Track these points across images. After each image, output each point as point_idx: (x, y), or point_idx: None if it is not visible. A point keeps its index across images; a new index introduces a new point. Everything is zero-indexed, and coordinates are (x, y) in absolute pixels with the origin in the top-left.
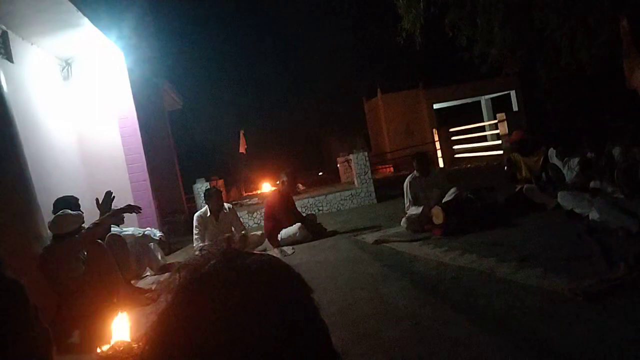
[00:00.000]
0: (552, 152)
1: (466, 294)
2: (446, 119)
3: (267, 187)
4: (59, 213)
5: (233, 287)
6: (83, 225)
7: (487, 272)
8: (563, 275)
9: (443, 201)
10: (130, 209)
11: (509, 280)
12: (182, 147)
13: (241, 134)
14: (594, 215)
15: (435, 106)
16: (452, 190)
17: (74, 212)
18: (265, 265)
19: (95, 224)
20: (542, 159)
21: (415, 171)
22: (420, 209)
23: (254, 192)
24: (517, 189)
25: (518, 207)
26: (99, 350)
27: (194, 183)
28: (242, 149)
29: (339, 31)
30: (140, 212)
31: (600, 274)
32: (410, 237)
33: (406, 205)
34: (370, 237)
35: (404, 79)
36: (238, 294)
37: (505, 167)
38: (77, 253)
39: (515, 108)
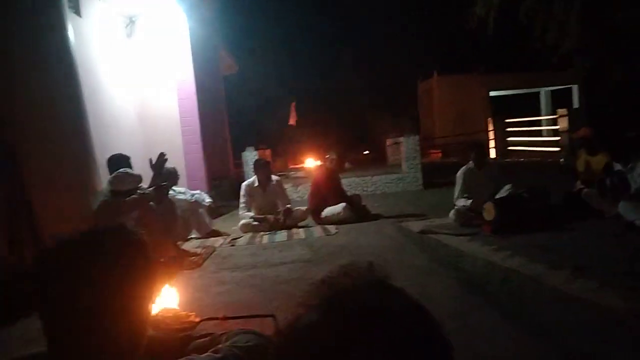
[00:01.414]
0: None
1: (515, 300)
2: (502, 108)
3: (313, 162)
4: (120, 170)
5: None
6: (141, 185)
7: (538, 279)
8: (620, 292)
9: (496, 197)
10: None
11: (561, 290)
12: (233, 113)
13: (292, 106)
14: None
15: (492, 94)
16: (507, 187)
17: (135, 173)
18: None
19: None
20: (606, 162)
21: (470, 162)
22: (467, 201)
23: (300, 165)
24: (576, 189)
25: (574, 211)
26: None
27: (243, 150)
28: (291, 121)
29: (400, 8)
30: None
31: None
32: (458, 230)
33: (455, 196)
34: (415, 226)
35: (462, 62)
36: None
37: (562, 160)
38: (130, 212)
39: (575, 104)
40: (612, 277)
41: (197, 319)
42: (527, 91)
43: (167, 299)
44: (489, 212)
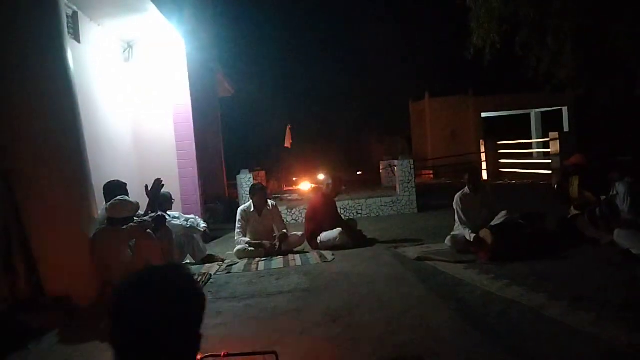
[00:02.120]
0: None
1: (515, 333)
2: (493, 130)
3: (307, 184)
4: (118, 198)
5: None
6: (139, 213)
7: (536, 310)
8: (620, 324)
9: (492, 224)
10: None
11: (560, 322)
12: (228, 135)
13: (288, 129)
14: None
15: (483, 115)
16: (503, 213)
17: (133, 201)
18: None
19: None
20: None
21: (465, 187)
22: (468, 231)
23: (294, 187)
24: (570, 215)
25: (569, 238)
26: None
27: (238, 172)
28: (287, 144)
29: (391, 31)
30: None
31: None
32: (455, 257)
33: (456, 225)
34: (412, 252)
35: (453, 83)
36: None
37: (556, 186)
38: (127, 240)
39: (566, 126)
40: (611, 308)
41: (199, 356)
42: (518, 113)
43: None
44: (485, 239)
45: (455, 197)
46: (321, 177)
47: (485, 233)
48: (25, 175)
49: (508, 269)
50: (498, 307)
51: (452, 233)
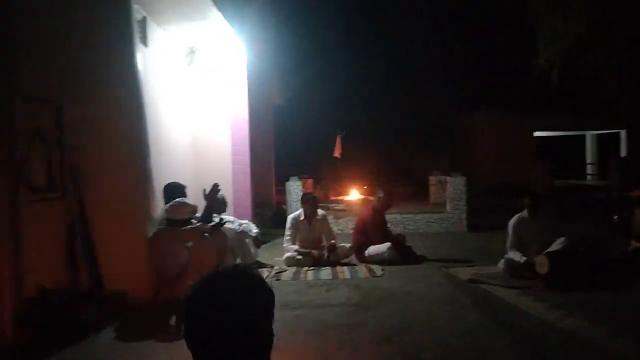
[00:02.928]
0: None
1: None
2: (546, 150)
3: (355, 194)
4: (178, 200)
5: None
6: (196, 215)
7: (598, 344)
8: None
9: (549, 250)
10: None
11: None
12: (278, 141)
13: (338, 138)
14: None
15: (536, 134)
16: (561, 239)
17: (190, 203)
18: None
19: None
20: None
21: (524, 211)
22: (522, 258)
23: (342, 197)
24: (631, 248)
25: (631, 270)
26: None
27: (286, 179)
28: (336, 153)
29: (447, 43)
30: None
31: None
32: (509, 282)
33: (508, 246)
34: (463, 273)
35: (506, 100)
36: None
37: (615, 217)
38: (184, 241)
39: (623, 151)
40: None
41: None
42: (573, 133)
43: None
44: (542, 265)
45: (512, 220)
46: (366, 188)
47: (542, 259)
48: (91, 173)
49: (565, 298)
50: (557, 338)
51: (505, 256)
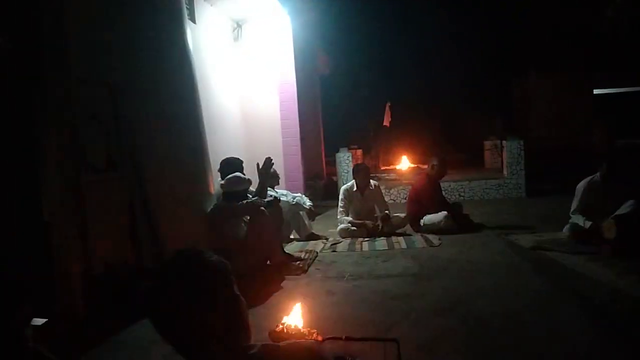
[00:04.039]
0: None
1: None
2: (606, 108)
3: (406, 164)
4: (234, 174)
5: None
6: (251, 189)
7: None
8: None
9: (617, 213)
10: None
11: None
12: (326, 112)
13: (387, 107)
14: None
15: (596, 91)
16: (630, 202)
17: (246, 177)
18: None
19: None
20: None
21: (597, 175)
22: (583, 219)
23: (392, 167)
24: None
25: None
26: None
27: (335, 150)
28: (386, 122)
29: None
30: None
31: None
32: (574, 248)
33: (573, 209)
34: (525, 240)
35: (562, 57)
36: None
37: None
38: (242, 216)
39: None
40: None
41: (320, 338)
42: (636, 89)
43: (293, 316)
44: (609, 230)
45: (582, 182)
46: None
47: (609, 223)
48: (149, 151)
49: (635, 264)
50: (629, 306)
51: (570, 221)
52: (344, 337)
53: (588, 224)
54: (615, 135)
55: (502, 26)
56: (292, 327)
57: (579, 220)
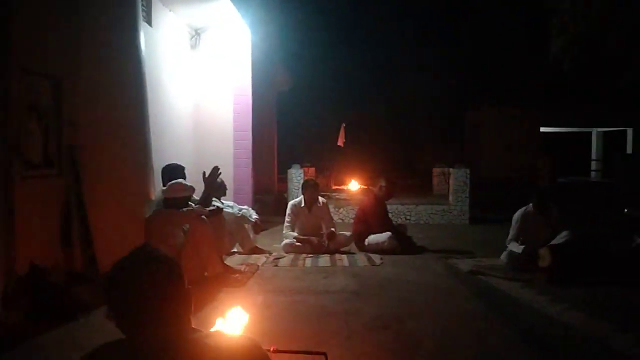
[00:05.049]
0: None
1: None
2: (551, 145)
3: (356, 184)
4: (175, 180)
5: None
6: (193, 197)
7: (601, 339)
8: None
9: (552, 243)
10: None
11: (629, 357)
12: (281, 128)
13: (342, 127)
14: None
15: (542, 129)
16: (565, 233)
17: (188, 184)
18: None
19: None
20: None
21: (530, 206)
22: (519, 247)
23: (343, 187)
24: (635, 243)
25: (635, 265)
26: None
27: (288, 166)
28: (340, 142)
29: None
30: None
31: None
32: (510, 274)
33: (509, 238)
34: (464, 265)
35: (513, 95)
36: None
37: (626, 210)
38: (181, 223)
39: (629, 148)
40: None
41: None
42: (580, 130)
43: (224, 324)
44: (544, 258)
45: (518, 212)
46: (378, 181)
47: (544, 252)
48: (89, 151)
49: (567, 292)
50: (559, 332)
51: (508, 249)
52: (272, 349)
53: (521, 248)
54: (558, 171)
55: (461, 58)
56: (220, 334)
57: (513, 247)
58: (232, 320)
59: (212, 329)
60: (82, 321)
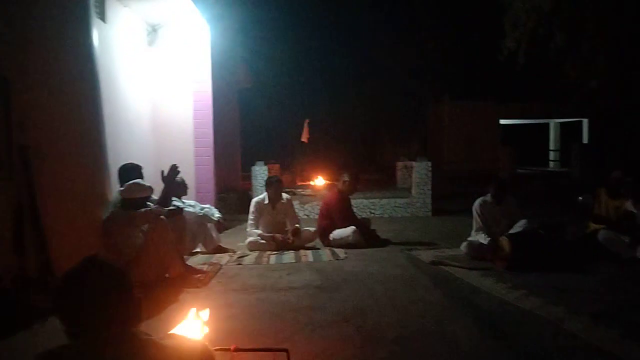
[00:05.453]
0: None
1: (535, 346)
2: (510, 137)
3: (321, 180)
4: (132, 181)
5: None
6: (152, 197)
7: (555, 322)
8: None
9: (511, 232)
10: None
11: (582, 339)
12: (245, 126)
13: (305, 123)
14: None
15: (502, 122)
16: (522, 222)
17: (146, 184)
18: None
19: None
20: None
21: (488, 195)
22: (487, 238)
23: (308, 183)
24: (590, 230)
25: (588, 251)
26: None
27: (253, 164)
28: (304, 138)
29: (417, 30)
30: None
31: None
32: (470, 264)
33: (474, 229)
34: (426, 255)
35: (474, 88)
36: None
37: (580, 198)
38: (139, 224)
39: (585, 138)
40: (635, 327)
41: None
42: (537, 122)
43: (183, 327)
44: (503, 247)
45: (475, 202)
46: (340, 176)
47: (503, 241)
48: (41, 152)
49: (525, 279)
50: (516, 317)
51: (468, 239)
52: (232, 347)
53: (487, 239)
54: (517, 162)
55: (423, 53)
56: (177, 338)
57: (480, 237)
58: (190, 322)
59: (170, 332)
60: (37, 328)
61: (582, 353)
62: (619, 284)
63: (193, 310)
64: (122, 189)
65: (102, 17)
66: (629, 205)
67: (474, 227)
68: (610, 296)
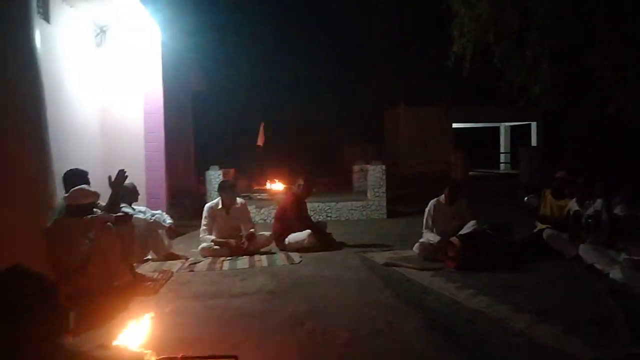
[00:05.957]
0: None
1: (482, 344)
2: (463, 140)
3: (278, 185)
4: (77, 187)
5: None
6: (98, 203)
7: (502, 320)
8: (584, 339)
9: (460, 233)
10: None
11: (526, 335)
12: (198, 129)
13: (261, 127)
14: (615, 274)
15: (454, 125)
16: (472, 223)
17: (92, 190)
18: None
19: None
20: (575, 210)
21: (442, 197)
22: (437, 237)
23: (264, 187)
24: (536, 229)
25: (534, 250)
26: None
27: (207, 168)
28: (259, 142)
29: (370, 37)
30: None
31: (625, 346)
32: (422, 264)
33: (424, 228)
34: (380, 257)
35: (428, 93)
36: None
37: (526, 199)
38: (85, 232)
39: (534, 141)
40: (576, 323)
41: (155, 358)
42: (488, 125)
43: (127, 336)
44: (453, 247)
45: (430, 203)
46: (296, 180)
47: (454, 241)
48: None
49: (474, 279)
50: (464, 316)
51: (420, 240)
52: (179, 356)
53: (437, 238)
54: (469, 165)
55: (379, 58)
56: (122, 348)
57: (430, 236)
58: (134, 331)
59: (115, 342)
60: None
61: (527, 350)
62: (562, 282)
63: (133, 319)
64: (66, 195)
65: (46, 17)
66: (572, 205)
67: (425, 226)
68: (554, 293)
